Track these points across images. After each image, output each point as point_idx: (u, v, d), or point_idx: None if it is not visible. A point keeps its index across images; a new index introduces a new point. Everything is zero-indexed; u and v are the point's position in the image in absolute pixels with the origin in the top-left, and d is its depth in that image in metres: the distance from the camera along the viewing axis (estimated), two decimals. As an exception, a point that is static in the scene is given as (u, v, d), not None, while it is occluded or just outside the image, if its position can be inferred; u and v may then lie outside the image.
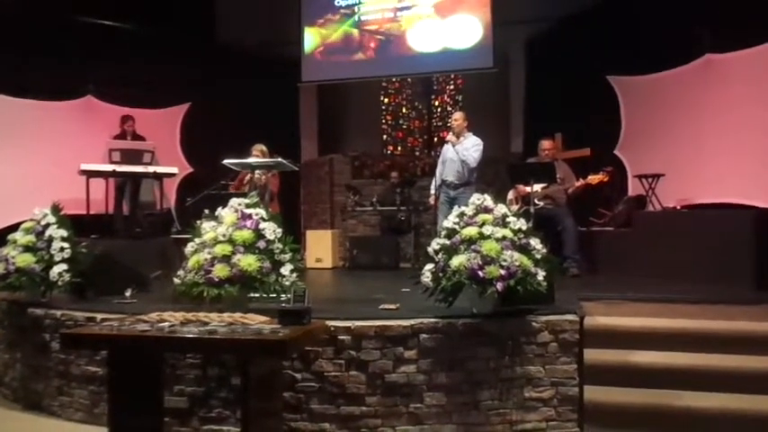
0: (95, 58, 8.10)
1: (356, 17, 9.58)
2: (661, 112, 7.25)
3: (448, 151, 6.39)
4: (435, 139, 10.85)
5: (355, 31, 9.58)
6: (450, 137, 6.39)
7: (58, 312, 4.08)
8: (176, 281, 3.88)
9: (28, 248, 4.31)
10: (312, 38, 9.77)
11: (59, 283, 4.26)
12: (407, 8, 9.36)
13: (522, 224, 3.75)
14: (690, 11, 6.80)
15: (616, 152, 7.70)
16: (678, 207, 6.57)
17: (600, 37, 7.72)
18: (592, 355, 3.79)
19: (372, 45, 9.49)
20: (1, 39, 7.65)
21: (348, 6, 9.63)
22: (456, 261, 3.57)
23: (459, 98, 11.03)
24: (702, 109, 6.80)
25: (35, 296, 4.34)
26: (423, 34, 9.27)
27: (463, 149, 6.22)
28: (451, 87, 11.10)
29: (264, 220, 3.88)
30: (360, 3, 9.58)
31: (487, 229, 3.64)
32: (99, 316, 3.86)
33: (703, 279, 5.12)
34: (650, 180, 6.76)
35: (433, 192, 6.58)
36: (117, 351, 3.08)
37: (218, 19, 10.07)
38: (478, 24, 8.96)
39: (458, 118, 6.49)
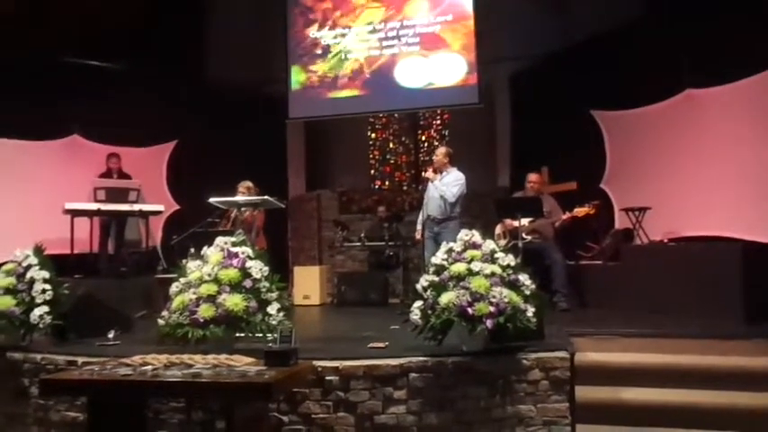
0: (81, 98, 8.08)
1: (342, 54, 9.69)
2: (645, 146, 7.34)
3: (430, 188, 6.43)
4: (423, 173, 10.89)
5: (342, 68, 9.68)
6: (428, 174, 6.43)
7: (38, 356, 3.97)
8: (160, 322, 3.81)
9: (8, 291, 4.21)
10: (299, 75, 9.86)
11: (40, 325, 4.16)
12: (393, 46, 9.49)
13: (510, 260, 3.74)
14: (670, 47, 6.94)
15: (602, 185, 7.75)
16: (665, 240, 6.59)
17: (583, 72, 7.84)
18: (583, 392, 3.74)
19: (359, 82, 9.59)
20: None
21: (334, 44, 9.75)
22: (445, 298, 3.54)
23: (446, 133, 11.10)
24: (685, 143, 6.89)
25: (14, 340, 4.23)
26: (409, 71, 9.38)
27: (442, 185, 6.25)
28: (438, 122, 11.19)
29: (251, 258, 3.84)
30: (346, 41, 9.70)
31: (476, 266, 3.62)
32: (80, 359, 3.76)
33: (693, 312, 5.12)
34: (637, 213, 6.80)
35: (419, 227, 6.59)
36: (98, 397, 3.00)
37: (206, 57, 10.15)
38: (463, 61, 9.10)
39: (439, 154, 6.55)
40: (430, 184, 6.40)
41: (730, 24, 6.28)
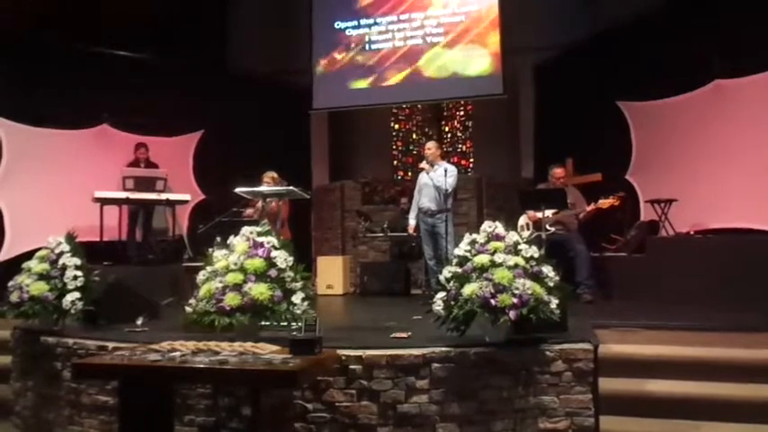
0: (110, 88, 8.22)
1: (367, 45, 9.69)
2: (672, 137, 7.24)
3: (423, 179, 6.60)
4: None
5: (366, 59, 9.68)
6: (424, 165, 6.62)
7: (70, 341, 4.08)
8: (188, 309, 3.88)
9: (42, 276, 4.33)
10: (323, 65, 9.88)
11: (72, 311, 4.27)
12: (418, 36, 9.46)
13: (533, 251, 3.73)
14: (699, 36, 6.82)
15: (627, 177, 7.66)
16: (691, 232, 6.51)
17: (609, 63, 7.75)
18: (606, 384, 3.73)
19: (383, 72, 9.59)
20: (17, 68, 7.81)
21: (359, 35, 9.75)
22: (468, 289, 3.55)
23: (470, 124, 11.05)
24: (714, 134, 6.79)
25: (48, 324, 4.36)
26: (433, 61, 9.36)
27: (437, 176, 6.43)
28: (462, 113, 11.14)
29: (276, 248, 3.89)
30: (370, 31, 9.70)
31: (499, 257, 3.62)
32: (110, 345, 3.86)
33: (718, 305, 5.05)
34: (663, 205, 6.72)
35: (412, 222, 6.82)
36: (128, 381, 3.08)
37: (231, 48, 10.24)
38: (488, 52, 9.04)
39: (431, 147, 6.76)
40: (423, 176, 6.61)
41: (761, 13, 6.15)
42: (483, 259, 3.63)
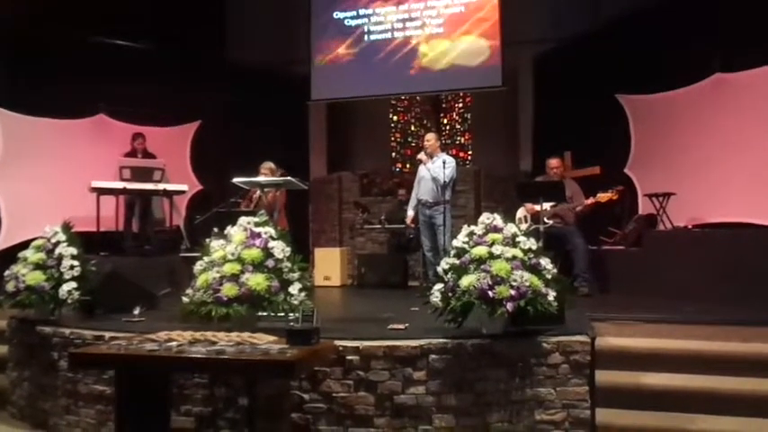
0: (107, 77, 8.17)
1: (365, 36, 9.65)
2: (671, 131, 7.23)
3: (421, 171, 6.61)
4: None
5: (365, 50, 9.64)
6: (422, 156, 6.60)
7: (67, 331, 4.07)
8: (185, 299, 3.87)
9: (38, 266, 4.31)
10: (321, 56, 9.84)
11: (68, 301, 4.26)
12: (417, 27, 9.43)
13: (531, 244, 3.73)
14: (699, 30, 6.80)
15: (626, 171, 7.66)
16: (689, 226, 6.52)
17: (609, 56, 7.73)
18: (603, 376, 3.74)
19: (381, 63, 9.55)
20: (14, 57, 7.76)
21: (358, 25, 9.71)
22: (465, 281, 3.54)
23: (468, 116, 11.04)
24: (713, 128, 6.77)
25: (44, 314, 4.34)
26: (432, 53, 9.32)
27: (435, 168, 6.41)
28: (460, 105, 11.13)
29: (273, 238, 3.87)
30: (369, 22, 9.65)
31: (497, 249, 3.61)
32: (107, 334, 3.85)
33: (716, 299, 5.07)
34: (661, 199, 6.72)
35: (410, 213, 6.86)
36: (125, 370, 3.07)
37: (229, 38, 10.19)
38: (487, 43, 9.01)
39: (430, 138, 6.73)
40: (422, 168, 6.59)
41: (761, 7, 6.13)
42: (481, 251, 3.62)
